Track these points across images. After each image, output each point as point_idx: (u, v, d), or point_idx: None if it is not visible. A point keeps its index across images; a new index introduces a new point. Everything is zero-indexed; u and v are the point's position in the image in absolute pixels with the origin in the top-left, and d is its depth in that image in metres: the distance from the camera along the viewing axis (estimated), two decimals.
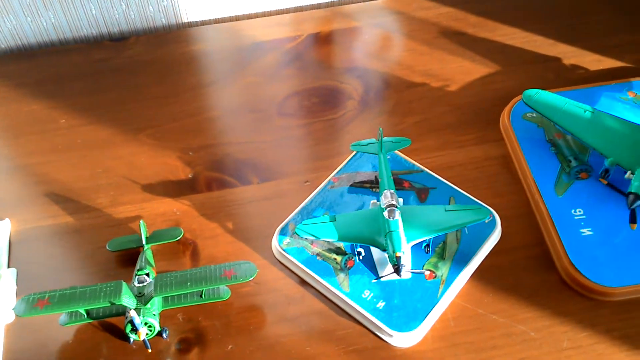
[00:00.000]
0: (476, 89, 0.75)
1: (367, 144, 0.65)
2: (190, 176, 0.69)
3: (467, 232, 0.61)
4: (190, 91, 0.77)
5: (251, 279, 0.55)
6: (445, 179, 0.66)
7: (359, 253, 0.60)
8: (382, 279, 0.58)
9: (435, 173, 0.66)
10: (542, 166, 0.65)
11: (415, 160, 0.68)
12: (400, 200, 0.62)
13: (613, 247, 0.59)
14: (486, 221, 0.61)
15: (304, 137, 0.72)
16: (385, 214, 0.57)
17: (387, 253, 0.56)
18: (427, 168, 0.67)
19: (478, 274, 0.60)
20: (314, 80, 0.77)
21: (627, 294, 0.57)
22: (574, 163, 0.66)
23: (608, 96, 0.71)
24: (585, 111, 0.65)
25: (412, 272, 0.57)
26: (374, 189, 0.66)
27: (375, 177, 0.67)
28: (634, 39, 0.78)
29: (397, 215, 0.57)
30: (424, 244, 0.60)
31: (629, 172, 0.60)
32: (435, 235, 0.58)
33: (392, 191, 0.59)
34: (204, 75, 0.79)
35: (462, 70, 0.77)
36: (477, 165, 0.68)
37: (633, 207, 0.57)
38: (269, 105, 0.75)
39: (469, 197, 0.64)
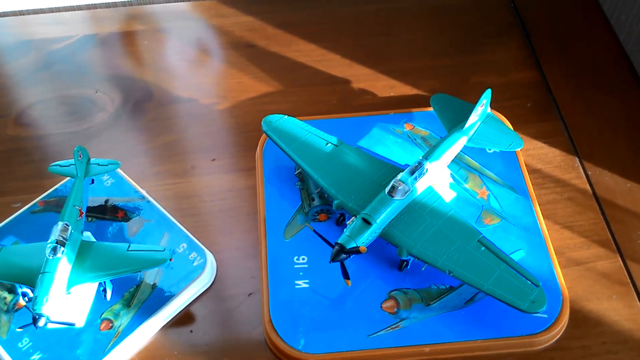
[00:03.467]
0: (248, 109, 0.67)
1: (68, 165, 0.57)
2: None
3: (167, 275, 0.53)
4: None
5: None
6: (172, 211, 0.58)
7: (24, 294, 0.52)
8: (20, 330, 0.50)
9: (164, 203, 0.58)
10: (279, 202, 0.58)
11: (148, 186, 0.60)
12: (88, 233, 0.54)
13: (324, 304, 0.51)
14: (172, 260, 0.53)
15: (34, 151, 0.64)
16: (47, 250, 0.49)
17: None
18: (157, 196, 0.59)
19: (173, 327, 0.52)
20: (70, 87, 0.70)
21: None
22: (316, 202, 0.58)
23: (382, 127, 0.63)
24: (327, 144, 0.57)
25: (58, 323, 0.48)
26: (89, 218, 0.58)
27: (106, 201, 0.59)
28: (434, 63, 0.71)
29: (61, 253, 0.49)
30: (101, 288, 0.52)
31: (352, 218, 0.52)
32: (106, 278, 0.50)
33: (67, 224, 0.51)
34: None
35: (239, 87, 0.69)
36: (221, 196, 0.60)
37: (335, 260, 0.49)
38: (7, 112, 0.67)
39: (185, 234, 0.56)
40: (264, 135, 0.63)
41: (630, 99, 0.66)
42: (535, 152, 0.62)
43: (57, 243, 0.49)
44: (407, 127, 0.63)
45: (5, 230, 0.56)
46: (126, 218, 0.57)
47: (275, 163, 0.61)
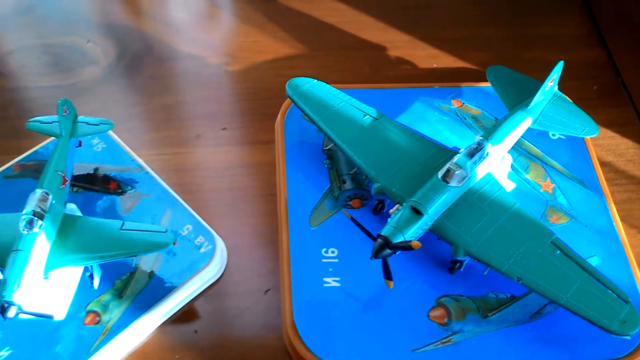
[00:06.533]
0: (264, 72, 0.60)
1: (51, 122, 0.49)
2: None
3: (168, 262, 0.46)
4: None
5: None
6: (174, 185, 0.50)
7: None
8: None
9: (164, 175, 0.51)
10: (304, 183, 0.50)
11: (144, 155, 0.52)
12: (72, 206, 0.47)
13: (359, 308, 0.44)
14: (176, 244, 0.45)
15: (10, 105, 0.56)
16: (21, 224, 0.41)
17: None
18: (155, 167, 0.51)
19: (172, 324, 0.45)
20: (55, 34, 0.61)
21: None
22: (348, 185, 0.51)
23: (425, 102, 0.56)
24: (365, 116, 0.50)
25: (33, 315, 0.41)
26: (74, 188, 0.50)
27: (95, 169, 0.51)
28: (482, 34, 0.64)
29: (39, 227, 0.41)
30: (87, 274, 0.44)
31: (396, 206, 0.45)
32: (93, 262, 0.42)
33: (47, 193, 0.43)
34: None
35: (254, 47, 0.62)
36: (229, 171, 0.53)
37: (378, 256, 0.42)
38: None
39: (191, 214, 0.48)
40: (284, 104, 0.55)
41: None
42: (605, 142, 0.55)
43: (33, 215, 0.41)
44: (455, 104, 0.56)
45: None
46: (119, 191, 0.50)
47: (299, 137, 0.53)
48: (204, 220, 0.49)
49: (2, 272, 0.42)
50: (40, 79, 0.58)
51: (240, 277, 0.47)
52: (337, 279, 0.46)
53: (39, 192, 0.43)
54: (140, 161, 0.51)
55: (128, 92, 0.57)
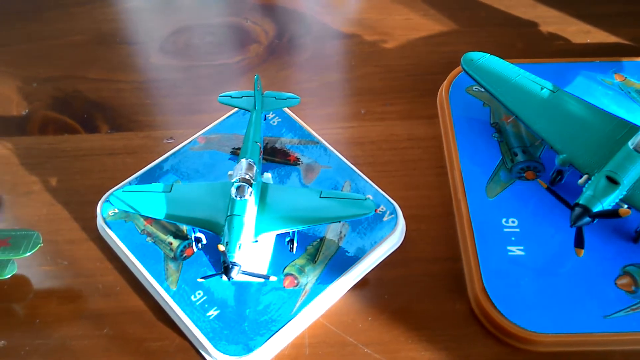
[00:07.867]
0: (419, 49, 0.61)
1: (241, 97, 0.51)
2: (24, 113, 0.56)
3: (354, 230, 0.47)
4: (57, 9, 0.64)
5: None
6: (347, 158, 0.52)
7: (199, 239, 0.46)
8: (205, 280, 0.44)
9: (337, 148, 0.52)
10: (476, 156, 0.51)
11: (314, 129, 0.54)
12: (268, 175, 0.49)
13: (546, 276, 0.45)
14: (378, 211, 0.47)
15: (182, 82, 0.58)
16: (233, 190, 0.44)
17: (221, 243, 0.42)
18: (327, 140, 0.53)
19: (359, 289, 0.47)
20: (216, 14, 0.64)
21: (554, 344, 0.43)
22: (520, 157, 0.51)
23: (587, 76, 0.56)
24: (542, 89, 0.50)
25: (252, 275, 0.43)
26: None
27: (274, 142, 0.53)
28: (634, 9, 0.63)
29: (249, 194, 0.43)
30: (287, 239, 0.46)
31: (584, 177, 0.46)
32: (298, 228, 0.44)
33: (252, 162, 0.45)
34: None
35: (407, 25, 0.63)
36: (397, 145, 0.54)
37: (577, 224, 0.43)
38: (150, 38, 0.62)
39: (370, 185, 0.50)
40: (447, 79, 0.56)
41: None
42: None
43: (244, 182, 0.44)
44: (618, 78, 0.56)
45: (163, 167, 0.51)
46: (298, 162, 0.52)
47: (465, 112, 0.54)
48: (381, 191, 0.50)
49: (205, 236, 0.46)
50: (206, 57, 0.60)
51: (420, 246, 0.49)
52: (521, 247, 0.47)
53: (245, 162, 0.45)
54: (316, 135, 0.53)
55: (292, 69, 0.59)
